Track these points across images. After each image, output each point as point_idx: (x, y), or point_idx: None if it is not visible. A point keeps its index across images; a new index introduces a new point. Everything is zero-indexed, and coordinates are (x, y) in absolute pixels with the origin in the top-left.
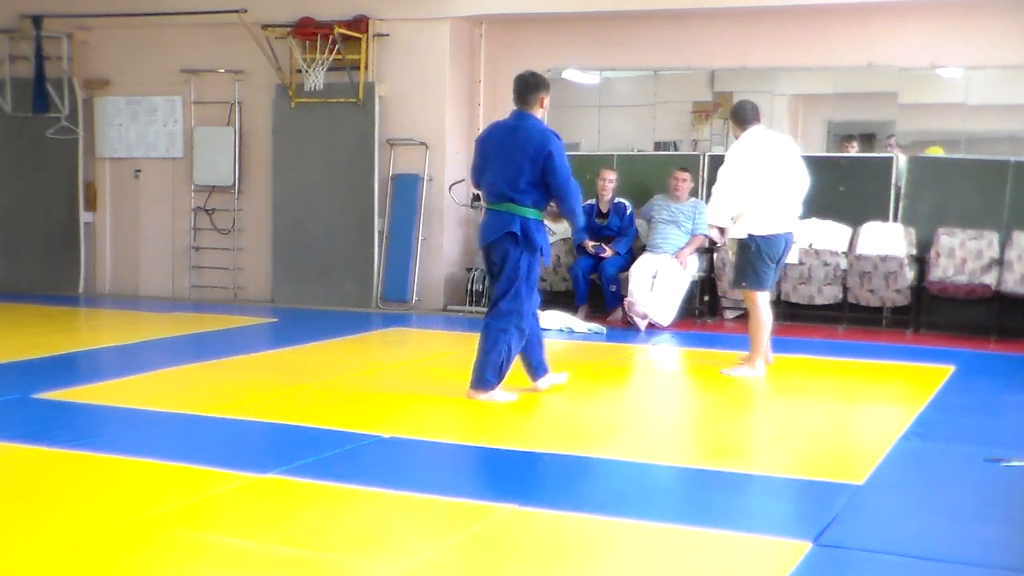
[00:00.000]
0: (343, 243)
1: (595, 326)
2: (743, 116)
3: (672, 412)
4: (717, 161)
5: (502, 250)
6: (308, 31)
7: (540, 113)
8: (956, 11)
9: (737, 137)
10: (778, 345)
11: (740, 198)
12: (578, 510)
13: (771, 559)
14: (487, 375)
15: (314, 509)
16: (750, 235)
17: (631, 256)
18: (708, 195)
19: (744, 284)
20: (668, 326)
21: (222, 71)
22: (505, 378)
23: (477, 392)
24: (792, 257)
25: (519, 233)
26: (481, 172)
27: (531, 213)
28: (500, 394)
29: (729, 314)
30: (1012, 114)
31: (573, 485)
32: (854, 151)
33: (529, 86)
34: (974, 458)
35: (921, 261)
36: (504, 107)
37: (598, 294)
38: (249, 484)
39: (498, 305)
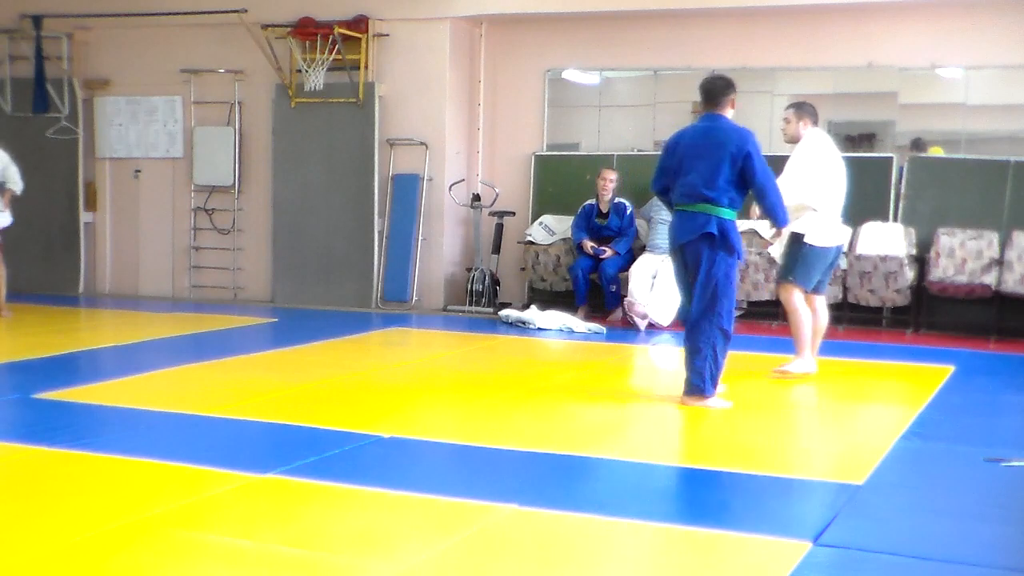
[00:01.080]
0: (343, 243)
1: (595, 326)
2: (815, 115)
3: (672, 412)
4: None
5: (696, 251)
6: (308, 31)
7: (731, 113)
8: (956, 11)
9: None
10: (778, 345)
11: (807, 198)
12: (578, 510)
13: (771, 559)
14: (696, 381)
15: (314, 509)
16: (808, 244)
17: (631, 256)
18: None
19: (792, 279)
20: (668, 326)
21: (222, 71)
22: (719, 383)
23: (691, 399)
24: None
25: (716, 233)
26: (672, 174)
27: (727, 213)
28: (715, 401)
29: None
30: (1012, 114)
31: (573, 485)
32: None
33: (718, 88)
34: (974, 458)
35: (921, 261)
36: (504, 107)
37: (598, 294)
38: (249, 484)
39: (698, 310)
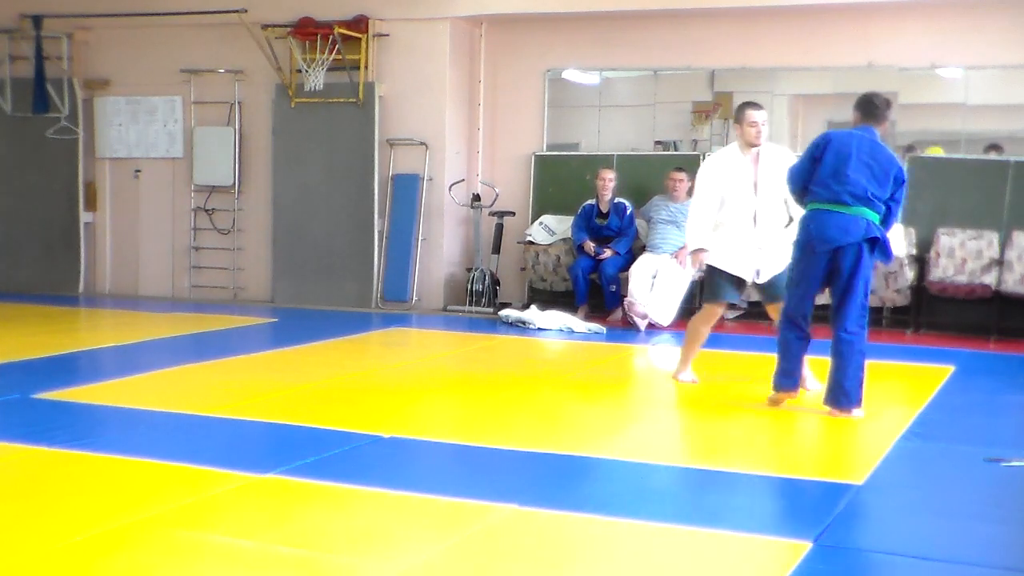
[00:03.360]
0: (343, 243)
1: (595, 326)
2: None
3: (672, 412)
4: None
5: (855, 255)
6: (308, 31)
7: (881, 133)
8: (956, 11)
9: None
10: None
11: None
12: (578, 510)
13: (771, 559)
14: (854, 394)
15: (314, 509)
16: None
17: (631, 256)
18: None
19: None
20: (668, 326)
21: (222, 71)
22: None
23: (842, 411)
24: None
25: (881, 238)
26: (832, 172)
27: (878, 221)
28: (857, 411)
29: (729, 314)
30: (1012, 114)
31: (573, 485)
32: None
33: (881, 108)
34: (974, 458)
35: (921, 261)
36: (504, 107)
37: (598, 294)
38: (249, 484)
39: (852, 316)
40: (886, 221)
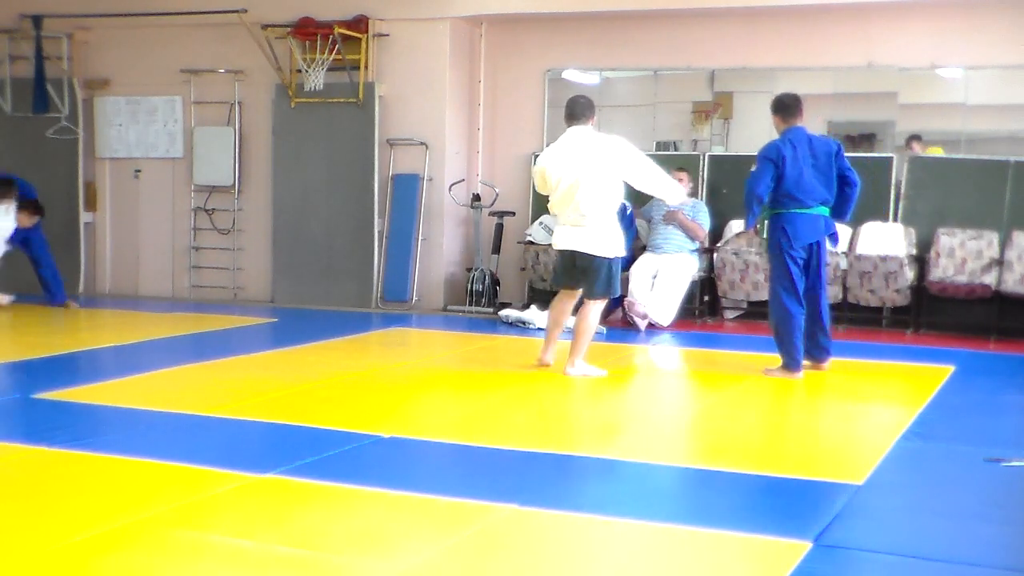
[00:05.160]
0: (343, 243)
1: None
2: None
3: (672, 412)
4: (717, 161)
5: (821, 247)
6: (308, 31)
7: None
8: (956, 11)
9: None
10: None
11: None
12: (578, 510)
13: (771, 559)
14: (831, 347)
15: (314, 509)
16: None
17: (631, 256)
18: (708, 194)
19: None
20: (668, 326)
21: (222, 71)
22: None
23: (825, 362)
24: None
25: (836, 232)
26: (795, 184)
27: (828, 214)
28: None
29: (729, 314)
30: (1012, 114)
31: (573, 485)
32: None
33: (798, 105)
34: (974, 458)
35: (921, 261)
36: (504, 107)
37: None
38: (249, 484)
39: (824, 290)
40: (844, 206)
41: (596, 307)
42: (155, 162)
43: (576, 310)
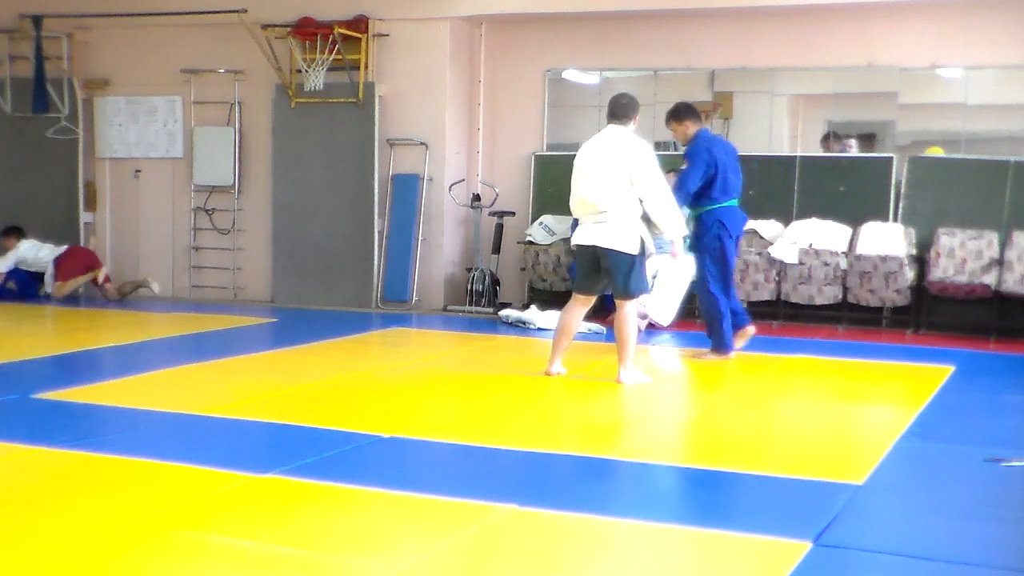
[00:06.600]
0: (343, 243)
1: (595, 326)
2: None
3: (672, 412)
4: None
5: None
6: (308, 31)
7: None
8: (956, 11)
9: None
10: (778, 345)
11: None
12: (578, 510)
13: (771, 559)
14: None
15: (314, 509)
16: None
17: None
18: None
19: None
20: (668, 326)
21: (222, 71)
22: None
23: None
24: (791, 257)
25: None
26: (723, 180)
27: None
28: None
29: None
30: (1012, 114)
31: (573, 485)
32: (852, 151)
33: (694, 108)
34: (974, 458)
35: (921, 261)
36: (504, 107)
37: None
38: (249, 484)
39: (731, 273)
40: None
41: (630, 307)
42: (155, 162)
43: (587, 318)
